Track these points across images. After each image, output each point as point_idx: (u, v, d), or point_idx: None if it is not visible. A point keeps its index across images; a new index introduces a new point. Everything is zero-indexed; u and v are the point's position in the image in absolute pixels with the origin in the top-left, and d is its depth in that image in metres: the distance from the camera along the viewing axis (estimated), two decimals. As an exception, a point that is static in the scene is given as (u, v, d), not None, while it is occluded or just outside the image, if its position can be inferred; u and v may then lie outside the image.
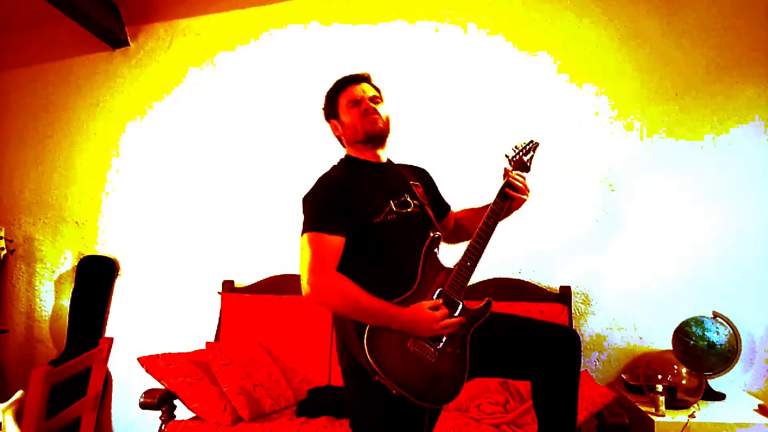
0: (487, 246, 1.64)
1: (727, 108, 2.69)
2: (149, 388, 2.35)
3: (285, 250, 2.93)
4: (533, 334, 1.63)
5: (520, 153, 1.73)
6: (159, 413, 2.36)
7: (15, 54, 3.38)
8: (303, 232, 1.59)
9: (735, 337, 2.45)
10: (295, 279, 2.85)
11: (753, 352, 2.61)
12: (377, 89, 1.79)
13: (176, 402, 2.39)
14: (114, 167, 3.23)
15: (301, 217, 1.63)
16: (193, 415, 2.35)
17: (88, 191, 3.25)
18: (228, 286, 2.97)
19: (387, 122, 1.73)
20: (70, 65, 3.30)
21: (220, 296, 2.91)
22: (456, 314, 1.59)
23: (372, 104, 1.71)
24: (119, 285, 3.17)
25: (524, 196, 1.69)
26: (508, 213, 1.71)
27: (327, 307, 1.60)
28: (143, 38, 3.22)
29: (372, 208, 1.63)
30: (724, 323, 2.48)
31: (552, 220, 2.78)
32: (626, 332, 2.71)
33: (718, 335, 2.44)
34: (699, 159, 2.70)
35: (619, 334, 2.71)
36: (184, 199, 3.13)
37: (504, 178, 1.69)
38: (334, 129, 1.78)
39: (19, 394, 1.93)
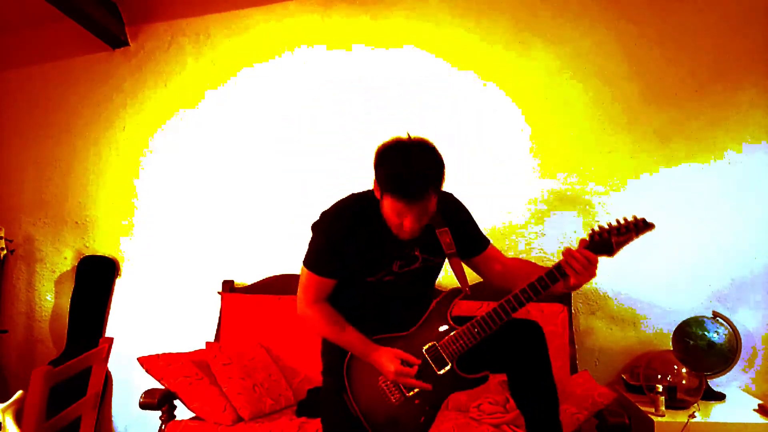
0: (508, 319, 1.59)
1: (728, 111, 2.69)
2: (149, 388, 2.35)
3: (285, 250, 2.93)
4: (501, 331, 1.62)
5: (611, 233, 1.47)
6: (159, 413, 2.36)
7: (15, 54, 3.37)
8: (303, 261, 1.71)
9: (735, 337, 2.45)
10: (294, 279, 2.86)
11: (753, 352, 2.61)
12: (435, 190, 1.46)
13: (176, 402, 2.38)
14: (114, 167, 3.22)
15: (301, 218, 1.66)
16: (193, 415, 2.35)
17: (88, 191, 3.24)
18: (228, 286, 2.97)
19: (419, 230, 1.55)
20: (70, 65, 3.29)
21: (220, 296, 2.91)
22: (441, 372, 1.60)
23: (412, 228, 1.51)
24: (119, 285, 3.17)
25: (581, 277, 1.46)
26: (563, 290, 1.59)
27: (311, 331, 1.75)
28: (143, 38, 3.22)
29: (367, 265, 1.64)
30: (724, 323, 2.48)
31: (552, 219, 2.78)
32: (626, 332, 2.71)
33: (718, 335, 2.45)
34: (699, 160, 2.70)
35: (619, 334, 2.71)
36: (185, 200, 3.12)
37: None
38: (375, 186, 1.55)
39: (19, 394, 1.93)
